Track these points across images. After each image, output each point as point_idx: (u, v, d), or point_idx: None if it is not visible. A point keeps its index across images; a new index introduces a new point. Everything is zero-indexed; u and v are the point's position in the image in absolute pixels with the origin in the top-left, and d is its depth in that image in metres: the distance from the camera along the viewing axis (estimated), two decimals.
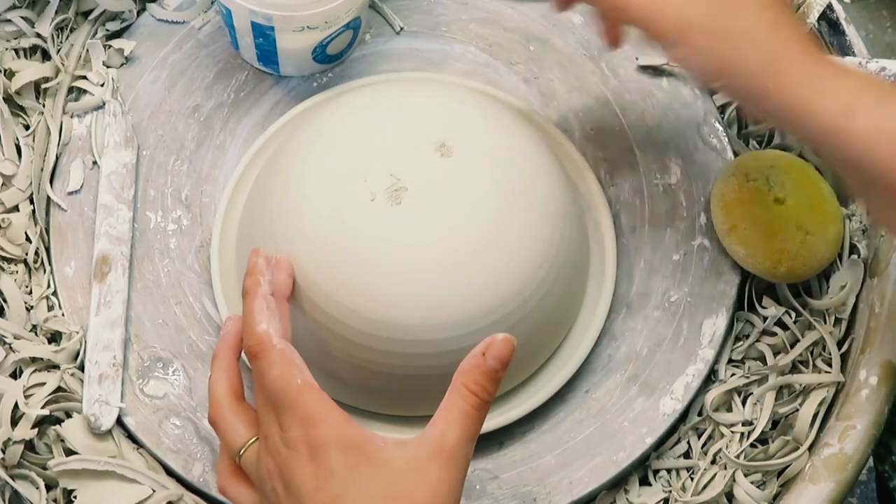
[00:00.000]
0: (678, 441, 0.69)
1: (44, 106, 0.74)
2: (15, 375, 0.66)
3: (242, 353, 0.59)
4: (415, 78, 0.75)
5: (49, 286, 0.70)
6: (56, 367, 0.67)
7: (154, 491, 0.64)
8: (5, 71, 0.73)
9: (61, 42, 0.76)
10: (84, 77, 0.74)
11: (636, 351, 0.69)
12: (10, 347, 0.66)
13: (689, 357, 0.69)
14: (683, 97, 0.75)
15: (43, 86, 0.74)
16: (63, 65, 0.74)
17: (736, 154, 0.74)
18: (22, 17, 0.75)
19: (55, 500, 0.64)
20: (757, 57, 0.54)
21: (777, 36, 0.55)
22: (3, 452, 0.63)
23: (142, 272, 0.70)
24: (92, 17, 0.76)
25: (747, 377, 0.69)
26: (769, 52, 0.54)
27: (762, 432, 0.68)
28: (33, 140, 0.73)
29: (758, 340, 0.70)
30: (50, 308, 0.69)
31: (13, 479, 0.63)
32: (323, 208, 0.61)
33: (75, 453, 0.64)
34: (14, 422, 0.64)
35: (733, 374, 0.70)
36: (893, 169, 0.51)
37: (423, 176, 0.61)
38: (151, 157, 0.73)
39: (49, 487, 0.64)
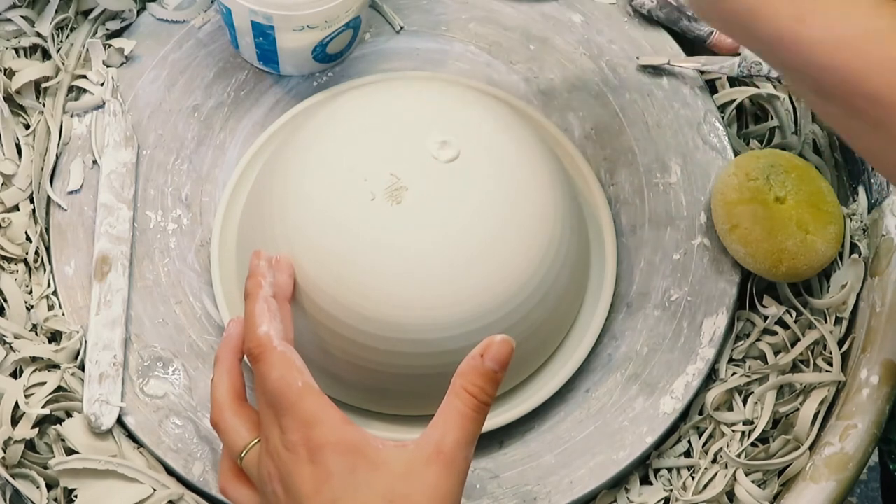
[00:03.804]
0: (679, 440, 0.69)
1: (44, 105, 0.74)
2: (15, 375, 0.66)
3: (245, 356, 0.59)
4: (415, 77, 0.75)
5: (49, 286, 0.70)
6: (56, 366, 0.67)
7: (154, 490, 0.64)
8: (5, 70, 0.73)
9: (61, 41, 0.76)
10: (84, 76, 0.74)
11: (636, 350, 0.69)
12: (11, 347, 0.66)
13: (690, 356, 0.69)
14: (683, 96, 0.75)
15: (43, 85, 0.74)
16: (63, 64, 0.74)
17: (736, 153, 0.74)
18: (22, 17, 0.75)
19: (56, 500, 0.64)
20: None
21: None
22: (4, 452, 0.63)
23: (142, 271, 0.70)
24: (92, 16, 0.76)
25: (748, 376, 0.69)
26: None
27: (763, 431, 0.68)
28: (33, 139, 0.73)
29: (758, 339, 0.70)
30: (50, 307, 0.69)
31: (14, 479, 0.63)
32: (323, 207, 0.61)
33: (76, 452, 0.64)
34: (14, 421, 0.64)
35: (734, 374, 0.70)
36: (849, 79, 0.49)
37: (424, 175, 0.61)
38: (151, 157, 0.73)
39: (50, 487, 0.64)
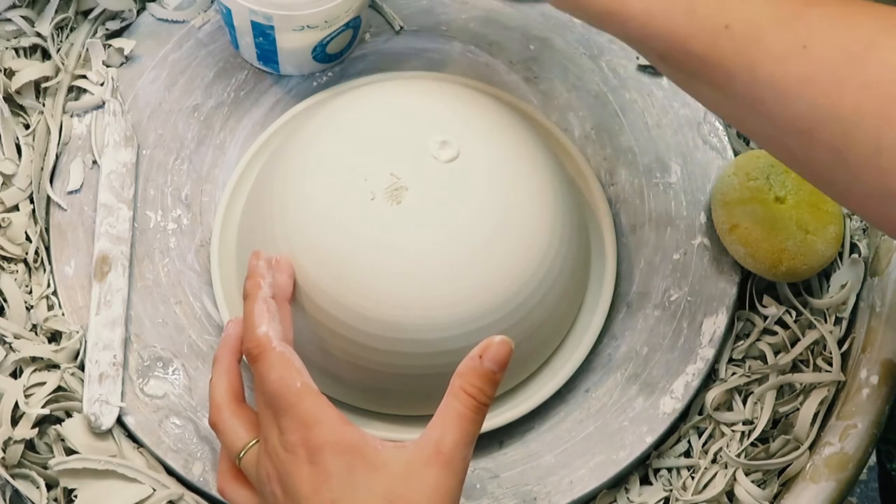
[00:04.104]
0: (679, 440, 0.69)
1: (44, 105, 0.74)
2: (15, 375, 0.66)
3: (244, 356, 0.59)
4: (415, 77, 0.75)
5: (49, 285, 0.70)
6: (56, 366, 0.67)
7: (154, 490, 0.64)
8: (5, 70, 0.73)
9: (61, 41, 0.76)
10: (84, 76, 0.74)
11: (636, 350, 0.69)
12: (11, 347, 0.66)
13: (690, 356, 0.69)
14: (683, 96, 0.75)
15: (43, 85, 0.74)
16: (63, 64, 0.74)
17: (736, 153, 0.74)
18: (22, 17, 0.75)
19: (56, 500, 0.64)
20: None
21: None
22: (4, 452, 0.63)
23: (142, 271, 0.70)
24: (92, 16, 0.76)
25: (748, 376, 0.69)
26: None
27: (763, 431, 0.68)
28: (33, 139, 0.73)
29: (758, 339, 0.70)
30: (50, 307, 0.69)
31: (14, 479, 0.63)
32: (323, 207, 0.61)
33: (76, 452, 0.64)
34: (14, 421, 0.64)
35: (734, 373, 0.70)
36: (674, 43, 0.52)
37: (424, 175, 0.61)
38: (151, 157, 0.73)
39: (49, 487, 0.64)
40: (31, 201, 0.71)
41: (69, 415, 0.66)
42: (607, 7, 0.53)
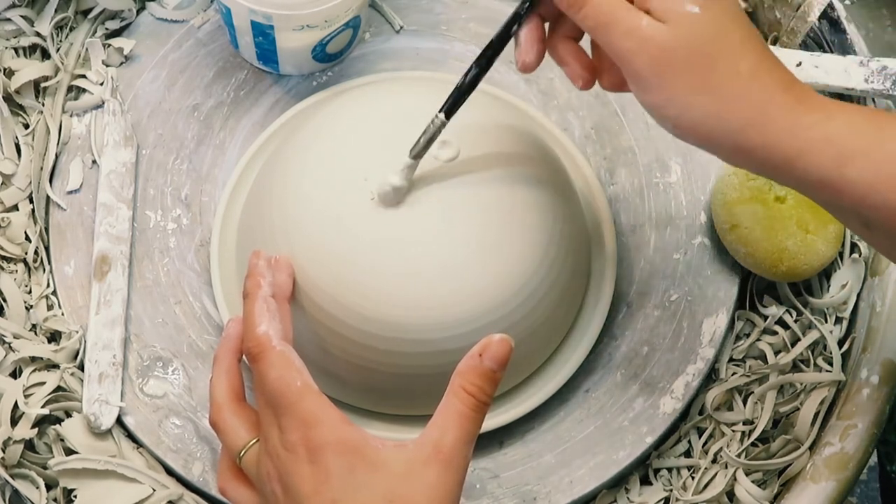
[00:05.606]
0: (679, 440, 0.69)
1: (43, 105, 0.74)
2: (15, 375, 0.66)
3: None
4: (414, 77, 0.75)
5: (49, 285, 0.70)
6: (56, 366, 0.67)
7: (154, 490, 0.64)
8: (5, 70, 0.73)
9: (61, 41, 0.76)
10: (83, 76, 0.74)
11: (636, 350, 0.69)
12: (10, 347, 0.66)
13: (690, 356, 0.69)
14: None
15: (42, 84, 0.74)
16: (62, 63, 0.74)
17: None
18: (21, 16, 0.75)
19: (55, 500, 0.64)
20: (738, 113, 0.51)
21: (757, 85, 0.51)
22: (4, 452, 0.63)
23: (141, 271, 0.70)
24: (91, 15, 0.76)
25: (748, 376, 0.69)
26: (750, 106, 0.51)
27: (763, 431, 0.68)
28: (33, 139, 0.73)
29: (758, 339, 0.70)
30: (49, 307, 0.69)
31: (13, 479, 0.63)
32: (323, 207, 0.61)
33: (75, 452, 0.64)
34: (14, 421, 0.64)
35: (734, 373, 0.70)
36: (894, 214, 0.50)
37: (424, 175, 0.61)
38: (151, 156, 0.73)
39: (49, 487, 0.64)
40: (31, 201, 0.71)
41: (69, 415, 0.66)
42: (822, 177, 0.51)
